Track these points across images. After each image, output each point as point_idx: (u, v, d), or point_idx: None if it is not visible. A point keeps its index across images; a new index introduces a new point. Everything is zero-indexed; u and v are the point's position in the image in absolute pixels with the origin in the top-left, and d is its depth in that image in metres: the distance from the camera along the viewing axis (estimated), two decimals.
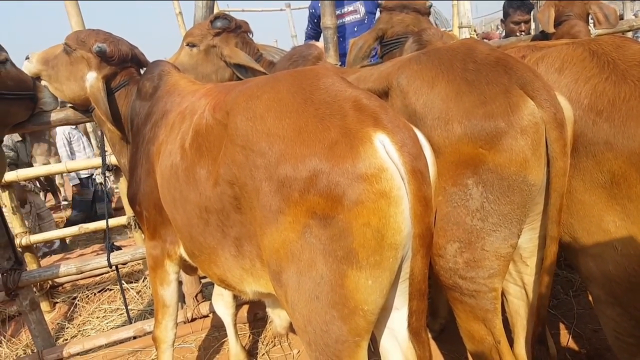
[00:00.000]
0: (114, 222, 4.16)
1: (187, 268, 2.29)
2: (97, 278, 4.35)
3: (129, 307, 3.95)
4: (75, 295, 4.15)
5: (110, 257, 2.78)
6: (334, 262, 1.27)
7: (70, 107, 2.51)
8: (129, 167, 2.25)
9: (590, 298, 1.64)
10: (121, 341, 2.94)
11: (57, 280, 4.12)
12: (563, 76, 1.53)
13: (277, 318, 1.96)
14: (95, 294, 4.18)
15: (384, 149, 1.24)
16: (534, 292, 1.68)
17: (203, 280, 3.28)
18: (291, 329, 2.02)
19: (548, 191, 1.47)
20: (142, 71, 2.37)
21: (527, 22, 3.53)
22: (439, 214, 1.48)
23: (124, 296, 3.00)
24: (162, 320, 2.24)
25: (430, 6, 2.56)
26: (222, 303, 2.50)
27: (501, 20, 3.75)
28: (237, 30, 2.30)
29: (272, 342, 2.80)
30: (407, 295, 1.45)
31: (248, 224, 1.53)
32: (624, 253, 1.44)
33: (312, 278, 1.30)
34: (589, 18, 2.78)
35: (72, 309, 4.01)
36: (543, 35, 2.86)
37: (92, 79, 2.15)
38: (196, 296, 3.08)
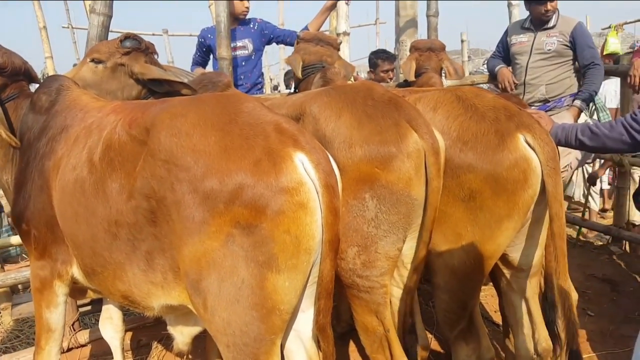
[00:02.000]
0: None
1: (74, 292, 2.18)
2: None
3: None
4: None
5: None
6: (255, 267, 1.40)
7: None
8: (15, 184, 2.09)
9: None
10: None
11: None
12: (437, 114, 1.90)
13: (179, 335, 1.97)
14: None
15: (302, 166, 1.43)
16: (407, 289, 1.99)
17: (81, 309, 3.06)
18: (192, 345, 2.04)
19: (425, 205, 1.79)
20: (31, 86, 2.26)
21: (393, 70, 4.14)
22: (342, 223, 1.70)
23: None
24: (45, 347, 2.08)
25: (340, 42, 2.93)
26: (110, 327, 2.40)
27: (370, 70, 4.32)
28: (146, 50, 2.33)
29: None
30: (312, 298, 1.64)
31: (163, 237, 1.58)
32: (467, 250, 1.87)
33: (233, 283, 1.41)
34: (442, 71, 3.38)
35: None
36: (406, 83, 3.39)
37: None
38: (73, 324, 2.87)
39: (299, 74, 2.85)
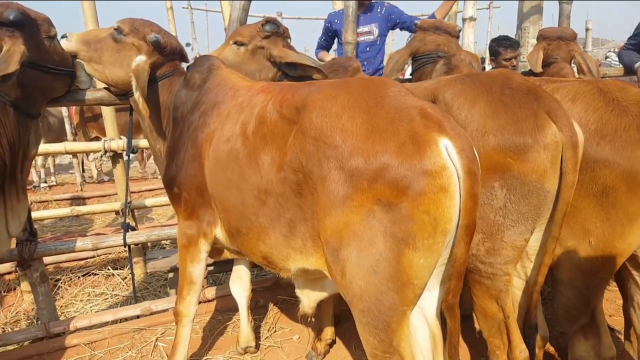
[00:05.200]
0: (107, 207, 4.22)
1: (212, 251, 2.45)
2: (82, 262, 4.34)
3: (112, 293, 4.03)
4: (58, 277, 4.13)
5: (126, 237, 2.88)
6: (393, 242, 1.51)
7: (105, 88, 2.62)
8: (167, 152, 2.38)
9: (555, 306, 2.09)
10: (127, 319, 3.02)
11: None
12: (575, 105, 1.87)
13: (306, 298, 2.16)
14: (79, 278, 4.18)
15: (446, 151, 1.50)
16: (531, 283, 2.00)
17: (209, 268, 3.41)
18: (316, 310, 2.22)
19: (557, 199, 1.79)
20: (184, 66, 2.53)
21: (516, 57, 3.97)
22: None
23: (133, 276, 3.08)
24: (186, 296, 2.38)
25: (460, 30, 2.91)
26: (239, 285, 2.67)
27: (491, 58, 4.18)
28: (283, 34, 2.52)
29: (273, 327, 2.99)
30: (439, 278, 1.72)
31: (306, 207, 1.74)
32: (595, 246, 1.84)
33: (371, 255, 1.53)
34: (572, 63, 3.21)
35: (54, 291, 3.99)
36: (530, 73, 3.27)
37: (140, 60, 2.27)
38: None
39: (393, 75, 2.86)
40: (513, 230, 1.79)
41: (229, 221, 2.09)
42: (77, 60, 2.48)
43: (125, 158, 3.53)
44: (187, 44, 12.32)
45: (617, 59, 6.45)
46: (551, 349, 2.76)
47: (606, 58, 7.16)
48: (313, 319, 2.30)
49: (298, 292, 2.16)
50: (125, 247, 2.98)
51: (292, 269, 1.92)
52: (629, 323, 2.17)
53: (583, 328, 1.99)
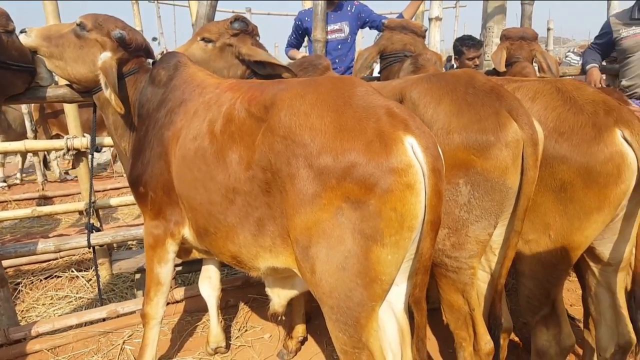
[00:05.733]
0: (70, 207, 4.10)
1: (180, 251, 2.42)
2: (44, 264, 4.21)
3: (76, 296, 3.93)
4: (18, 281, 3.99)
5: (91, 238, 2.81)
6: (361, 239, 1.53)
7: (67, 85, 2.54)
8: (133, 150, 2.33)
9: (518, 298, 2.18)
10: (92, 322, 2.95)
11: None
12: (535, 104, 1.94)
13: (276, 297, 2.16)
14: (40, 281, 4.05)
15: (412, 150, 1.53)
16: (496, 276, 2.06)
17: (176, 269, 3.36)
18: (287, 308, 2.22)
19: (519, 194, 1.85)
20: (149, 62, 2.48)
21: (479, 57, 4.08)
22: None
23: (98, 278, 3.02)
24: (154, 298, 2.35)
25: (426, 30, 2.96)
26: (208, 285, 2.65)
27: (455, 57, 4.28)
28: (252, 32, 2.50)
29: (244, 327, 2.98)
30: (406, 273, 1.76)
31: (275, 206, 1.74)
32: (554, 240, 1.92)
33: (340, 252, 1.55)
34: (533, 62, 3.32)
35: (14, 295, 3.85)
36: (494, 72, 3.36)
37: (106, 57, 2.22)
38: None
39: (363, 72, 2.89)
40: (477, 225, 1.85)
41: (197, 220, 2.06)
42: (38, 56, 2.40)
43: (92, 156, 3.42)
44: (154, 39, 12.07)
45: (576, 58, 6.70)
46: (516, 339, 2.86)
47: (566, 57, 7.42)
48: (283, 317, 2.30)
49: (268, 290, 2.16)
50: (89, 248, 2.91)
51: (262, 267, 1.92)
52: (587, 312, 2.27)
53: (544, 318, 2.06)
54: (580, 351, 2.53)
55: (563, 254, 1.94)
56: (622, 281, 2.14)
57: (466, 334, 1.93)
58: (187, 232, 2.21)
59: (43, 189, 6.66)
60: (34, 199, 6.26)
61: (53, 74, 2.50)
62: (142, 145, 2.27)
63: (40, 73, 2.44)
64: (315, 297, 1.69)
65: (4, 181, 7.56)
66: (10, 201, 6.16)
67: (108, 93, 2.20)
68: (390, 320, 1.85)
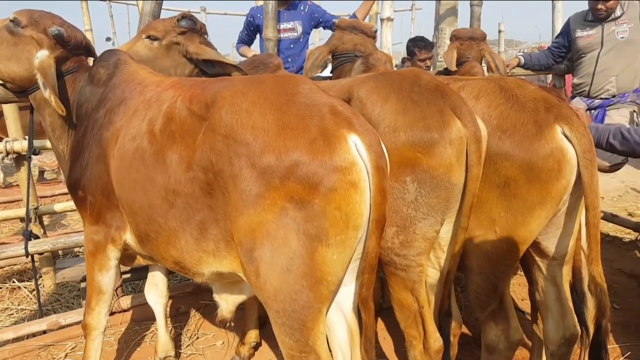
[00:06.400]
0: (10, 214, 3.88)
1: (124, 258, 2.32)
2: None
3: (20, 307, 3.71)
4: None
5: (29, 246, 2.65)
6: (306, 240, 1.49)
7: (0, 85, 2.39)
8: (71, 153, 2.22)
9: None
10: (31, 335, 2.78)
11: None
12: (479, 102, 1.96)
13: (224, 303, 2.09)
14: None
15: (355, 148, 1.51)
16: (445, 273, 2.07)
17: (123, 276, 3.23)
18: (235, 314, 2.16)
19: (464, 191, 1.86)
20: (90, 61, 2.37)
21: (430, 58, 4.15)
22: None
23: (37, 288, 2.85)
24: (95, 307, 2.23)
25: (376, 31, 2.96)
26: (155, 293, 2.55)
27: (407, 58, 4.33)
28: (200, 31, 2.42)
29: (195, 334, 2.89)
30: (354, 273, 1.74)
31: (217, 208, 1.68)
32: (499, 235, 1.94)
33: (285, 253, 1.51)
34: (482, 62, 3.40)
35: None
36: (446, 72, 3.42)
37: (43, 56, 2.10)
38: (116, 290, 3.03)
39: (313, 71, 2.89)
40: (424, 223, 1.85)
41: (138, 225, 1.97)
42: None
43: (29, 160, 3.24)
44: (108, 39, 11.70)
45: None
46: (470, 335, 2.90)
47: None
48: (233, 323, 2.23)
49: (216, 296, 2.10)
50: (27, 257, 2.75)
51: (206, 273, 1.86)
52: (534, 306, 2.32)
53: (493, 313, 2.09)
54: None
55: (509, 249, 1.97)
56: (567, 275, 2.19)
57: (416, 332, 1.93)
58: (128, 237, 2.11)
59: None
60: None
61: None
62: (80, 147, 2.16)
63: None
64: (260, 301, 1.64)
65: None
66: None
67: (47, 94, 2.08)
68: (340, 320, 1.82)
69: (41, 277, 3.84)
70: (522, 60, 4.00)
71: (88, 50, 2.35)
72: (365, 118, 1.84)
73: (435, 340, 1.91)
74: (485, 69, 3.40)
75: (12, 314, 3.58)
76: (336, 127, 1.52)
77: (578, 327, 2.16)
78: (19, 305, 3.63)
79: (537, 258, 2.18)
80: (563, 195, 1.92)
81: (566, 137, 1.86)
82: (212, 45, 2.50)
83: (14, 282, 3.89)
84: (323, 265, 1.52)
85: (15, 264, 4.03)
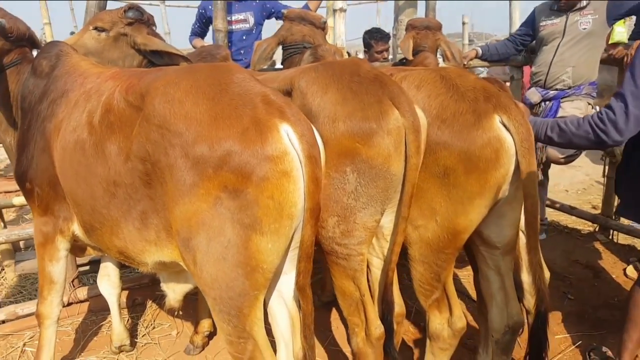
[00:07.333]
0: None
1: (75, 249, 2.32)
2: None
3: None
4: None
5: None
6: (240, 229, 1.52)
7: None
8: (17, 145, 2.20)
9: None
10: None
11: None
12: (420, 92, 1.98)
13: (172, 292, 2.11)
14: None
15: (287, 137, 1.53)
16: (387, 262, 2.11)
17: (80, 269, 3.22)
18: (183, 303, 2.18)
19: (404, 181, 1.89)
20: (34, 52, 2.35)
21: (387, 50, 4.16)
22: (323, 194, 1.80)
23: None
24: (47, 297, 2.24)
25: (325, 22, 2.96)
26: (107, 283, 2.55)
27: (364, 50, 4.32)
28: (147, 22, 2.41)
29: (151, 324, 2.90)
30: (294, 262, 1.76)
31: (157, 198, 1.69)
32: (441, 224, 1.97)
33: (220, 242, 1.53)
34: (438, 51, 3.43)
35: None
36: (402, 63, 3.45)
37: None
38: (72, 281, 3.03)
39: (261, 64, 2.89)
40: (364, 212, 1.87)
41: (82, 216, 1.98)
42: None
43: None
44: (72, 33, 11.49)
45: None
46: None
47: None
48: (181, 312, 2.25)
49: (163, 286, 2.11)
50: None
51: (149, 262, 1.87)
52: (479, 293, 2.38)
53: (437, 302, 2.13)
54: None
55: (450, 238, 2.00)
56: (510, 264, 2.24)
57: (359, 320, 1.96)
58: (76, 228, 2.11)
59: None
60: None
61: None
62: (25, 139, 2.15)
63: None
64: (199, 288, 1.66)
65: None
66: None
67: None
68: (281, 309, 1.86)
69: (3, 269, 3.82)
70: (480, 52, 3.98)
71: (32, 41, 2.33)
72: (306, 109, 1.86)
73: (377, 327, 1.94)
74: (441, 59, 3.43)
75: None
76: (268, 117, 1.54)
77: (522, 316, 2.22)
78: None
79: (480, 247, 2.23)
80: (502, 185, 1.96)
81: (504, 126, 1.90)
82: (159, 36, 2.49)
83: None
84: (258, 254, 1.55)
85: None
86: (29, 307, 2.87)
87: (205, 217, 1.53)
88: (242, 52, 4.02)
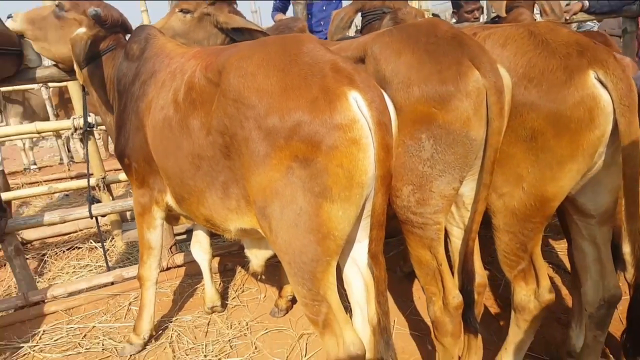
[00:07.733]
0: (81, 184, 4.30)
1: (169, 218, 2.52)
2: (66, 237, 4.46)
3: (96, 264, 4.15)
4: (44, 252, 4.25)
5: (92, 209, 2.96)
6: (311, 197, 1.54)
7: (54, 65, 2.63)
8: (116, 125, 2.42)
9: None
10: (101, 286, 3.14)
11: (26, 237, 4.22)
12: (505, 50, 1.84)
13: (254, 257, 2.23)
14: (64, 252, 4.30)
15: (356, 104, 1.52)
16: (468, 231, 2.03)
17: (177, 237, 3.50)
18: (265, 268, 2.29)
19: (485, 146, 1.79)
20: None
21: (479, 9, 3.87)
22: (397, 162, 1.78)
23: (103, 245, 3.18)
24: (147, 261, 2.47)
25: None
26: (199, 249, 2.75)
27: (453, 11, 4.05)
28: (229, 0, 2.50)
29: (240, 288, 3.09)
30: (367, 230, 1.76)
31: (236, 169, 1.77)
32: (528, 192, 1.84)
33: (292, 210, 1.57)
34: (534, 7, 3.13)
35: (41, 265, 4.12)
36: (494, 22, 3.20)
37: (80, 31, 2.29)
38: (170, 248, 3.31)
39: (338, 33, 2.78)
40: (441, 180, 1.80)
41: (174, 187, 2.13)
42: (24, 39, 2.49)
43: (97, 135, 3.56)
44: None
45: None
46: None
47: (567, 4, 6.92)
48: (263, 276, 2.37)
49: (247, 251, 2.23)
50: (91, 218, 3.06)
51: (232, 229, 1.98)
52: (573, 265, 2.21)
53: (523, 272, 2.02)
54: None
55: (538, 206, 1.87)
56: (607, 234, 2.05)
57: (436, 289, 1.93)
58: (169, 198, 2.29)
59: (69, 169, 6.98)
60: (62, 179, 6.57)
61: (41, 55, 2.59)
62: (122, 119, 2.35)
63: (27, 55, 2.54)
64: (276, 253, 1.73)
65: (35, 163, 7.97)
66: (41, 182, 6.49)
67: (75, 66, 2.27)
68: (356, 275, 1.88)
69: (113, 238, 4.27)
70: (586, 4, 3.59)
71: (125, 28, 2.51)
72: (380, 75, 1.82)
73: (454, 296, 1.89)
74: (538, 16, 3.12)
75: (92, 269, 4.02)
76: (337, 85, 1.53)
77: (619, 290, 2.04)
78: (96, 262, 4.07)
79: (574, 216, 2.05)
80: (598, 147, 1.77)
81: (601, 82, 1.71)
82: (240, 13, 2.55)
83: (91, 242, 4.34)
84: (329, 221, 1.57)
85: (91, 227, 4.48)
86: (133, 270, 3.19)
87: (278, 186, 1.58)
88: (322, 23, 3.98)
